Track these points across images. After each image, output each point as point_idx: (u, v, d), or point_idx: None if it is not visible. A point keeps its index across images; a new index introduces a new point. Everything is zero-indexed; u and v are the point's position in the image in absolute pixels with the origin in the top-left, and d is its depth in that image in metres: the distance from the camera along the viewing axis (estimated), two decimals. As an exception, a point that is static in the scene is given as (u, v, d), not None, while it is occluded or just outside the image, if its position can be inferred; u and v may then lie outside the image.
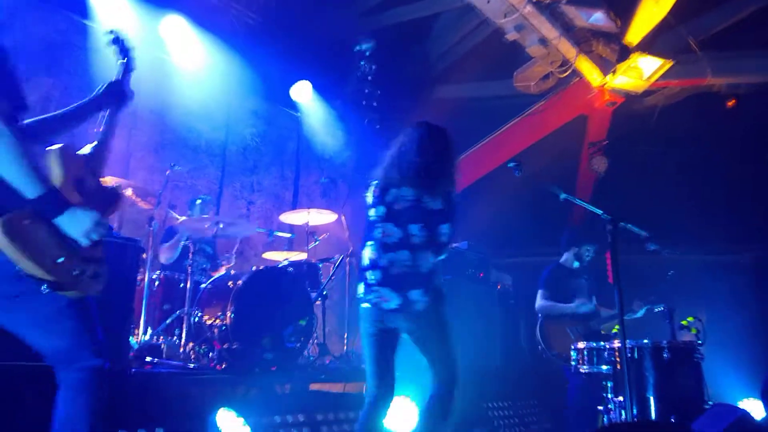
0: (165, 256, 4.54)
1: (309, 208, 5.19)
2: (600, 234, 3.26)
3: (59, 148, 1.89)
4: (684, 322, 3.93)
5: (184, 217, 4.41)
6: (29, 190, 1.69)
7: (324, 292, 4.66)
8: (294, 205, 6.83)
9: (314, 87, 7.01)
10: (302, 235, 5.23)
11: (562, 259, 4.82)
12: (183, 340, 3.94)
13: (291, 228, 5.66)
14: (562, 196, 3.44)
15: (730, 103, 6.17)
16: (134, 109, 5.73)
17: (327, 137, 7.24)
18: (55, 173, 1.84)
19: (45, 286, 1.72)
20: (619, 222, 3.12)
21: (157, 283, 4.22)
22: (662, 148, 6.61)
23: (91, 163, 2.06)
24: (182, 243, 4.45)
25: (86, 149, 2.09)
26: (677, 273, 4.40)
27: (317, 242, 5.19)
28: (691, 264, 5.60)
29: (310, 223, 5.15)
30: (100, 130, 2.17)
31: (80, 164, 1.98)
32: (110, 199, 2.10)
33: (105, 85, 2.28)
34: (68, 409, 1.84)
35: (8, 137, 1.66)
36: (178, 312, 4.04)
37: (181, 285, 4.19)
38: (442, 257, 2.69)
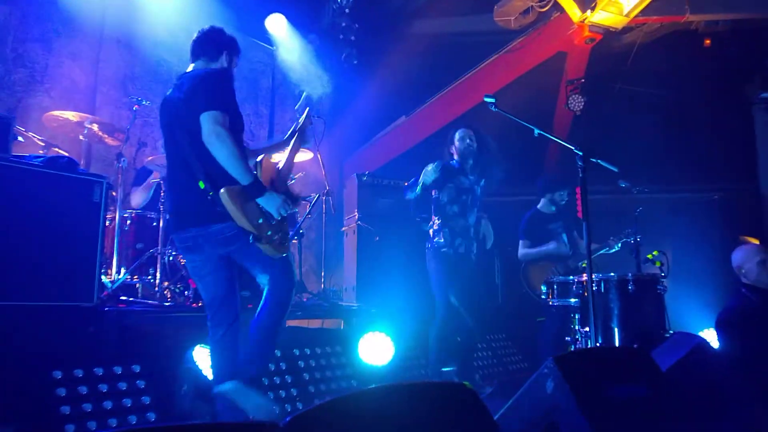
0: (136, 201, 4.45)
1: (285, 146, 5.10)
2: (573, 174, 3.30)
3: (261, 159, 2.78)
4: (649, 256, 4.06)
5: (151, 157, 4.30)
6: (242, 178, 2.50)
7: (300, 231, 4.68)
8: (269, 143, 6.72)
9: (289, 20, 6.76)
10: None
11: (539, 205, 4.90)
12: (158, 280, 3.93)
13: (267, 166, 5.58)
14: (537, 131, 3.45)
15: (707, 42, 6.15)
16: (99, 40, 5.50)
17: (302, 73, 7.05)
18: (258, 172, 2.65)
19: (251, 237, 2.53)
20: (590, 157, 3.15)
21: (129, 222, 4.14)
22: (638, 86, 6.61)
23: (280, 171, 2.90)
24: (152, 182, 4.36)
25: (279, 163, 2.96)
26: (645, 210, 4.50)
27: (293, 181, 5.15)
28: (660, 202, 5.74)
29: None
30: (287, 156, 3.02)
31: (273, 170, 2.84)
32: (292, 195, 2.81)
33: (293, 130, 3.20)
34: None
35: (230, 143, 2.47)
36: (151, 251, 4.01)
37: (154, 224, 4.13)
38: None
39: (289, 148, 3.08)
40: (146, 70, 5.81)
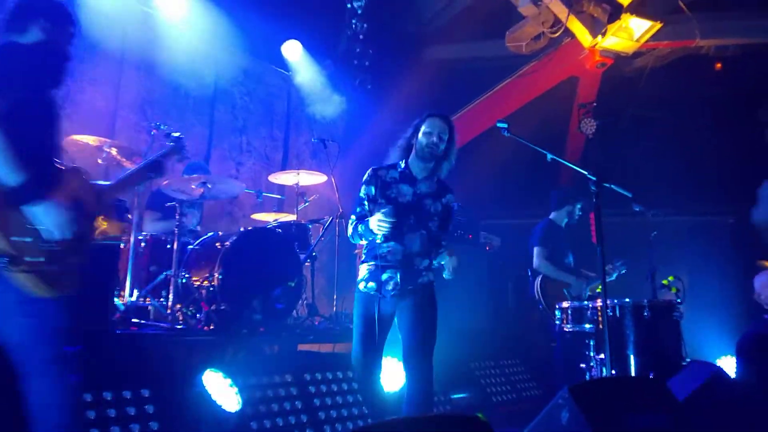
0: (151, 225, 4.52)
1: (299, 169, 5.18)
2: (586, 195, 3.30)
3: (73, 167, 2.21)
4: (665, 282, 4.03)
5: (167, 180, 4.36)
6: (6, 176, 1.89)
7: (313, 254, 4.70)
8: (284, 166, 6.81)
9: (304, 46, 6.88)
10: (292, 197, 5.24)
11: (553, 216, 4.88)
12: (170, 302, 3.94)
13: (281, 189, 5.66)
14: (549, 156, 3.46)
15: (718, 66, 6.17)
16: (120, 66, 5.64)
17: (317, 97, 7.16)
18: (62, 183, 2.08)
19: (3, 258, 1.86)
20: (604, 182, 3.16)
21: (143, 244, 4.19)
22: (650, 110, 6.62)
23: (103, 191, 2.34)
24: (166, 206, 4.40)
25: (104, 185, 2.42)
26: (660, 234, 4.47)
27: (307, 203, 5.20)
28: (674, 225, 5.69)
29: (300, 184, 5.15)
30: (121, 180, 2.49)
31: (87, 188, 2.24)
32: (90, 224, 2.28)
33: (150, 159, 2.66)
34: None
35: None
36: (165, 273, 4.04)
37: (168, 246, 4.17)
38: None
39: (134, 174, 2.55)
40: (165, 94, 5.94)
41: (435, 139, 2.94)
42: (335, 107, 7.08)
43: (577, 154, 6.83)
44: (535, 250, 4.68)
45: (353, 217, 3.05)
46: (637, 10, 5.78)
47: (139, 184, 2.69)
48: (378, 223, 2.76)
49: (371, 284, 2.97)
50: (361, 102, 7.11)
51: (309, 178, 5.19)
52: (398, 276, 2.92)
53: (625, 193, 3.29)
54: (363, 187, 3.05)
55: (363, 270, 3.04)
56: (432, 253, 3.01)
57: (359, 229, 2.95)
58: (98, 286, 3.08)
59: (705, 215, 6.28)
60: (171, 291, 3.96)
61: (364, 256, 3.08)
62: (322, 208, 5.72)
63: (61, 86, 2.29)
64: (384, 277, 2.92)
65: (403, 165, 3.07)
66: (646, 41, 5.94)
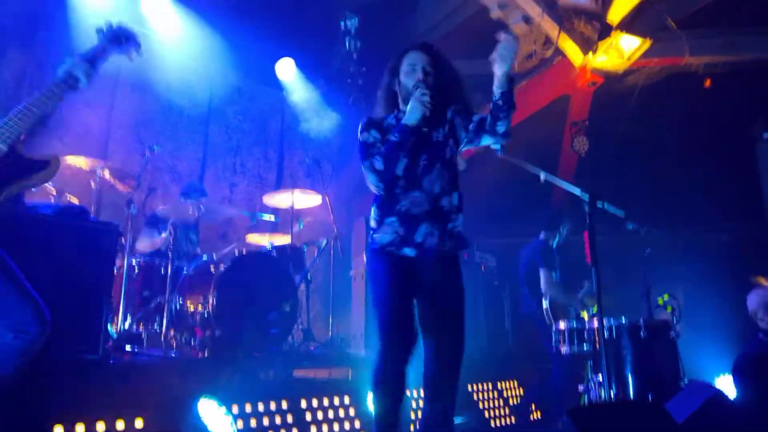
0: (143, 245, 4.48)
1: (293, 189, 5.16)
2: (578, 213, 3.30)
3: None
4: (660, 301, 4.02)
5: (163, 207, 4.34)
6: None
7: (308, 276, 4.67)
8: (278, 187, 6.80)
9: (298, 65, 6.91)
10: (286, 218, 5.22)
11: (543, 237, 4.88)
12: (164, 328, 3.89)
13: (275, 210, 5.64)
14: (542, 176, 3.47)
15: (707, 83, 6.24)
16: (114, 86, 5.63)
17: (311, 116, 7.17)
18: None
19: None
20: (597, 201, 3.16)
21: (136, 269, 4.14)
22: (643, 127, 6.66)
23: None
24: (163, 235, 4.37)
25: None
26: (655, 251, 4.47)
27: (301, 227, 5.18)
28: (669, 242, 5.70)
29: (295, 205, 5.13)
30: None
31: None
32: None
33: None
34: None
35: None
36: (158, 299, 4.00)
37: (162, 271, 4.14)
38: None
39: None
40: (159, 114, 5.93)
41: (420, 75, 2.48)
42: (329, 126, 7.09)
43: (570, 172, 6.85)
44: (542, 273, 4.65)
45: (367, 160, 2.45)
46: (626, 28, 5.87)
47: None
48: (420, 98, 2.37)
49: (400, 243, 2.40)
50: (355, 120, 7.11)
51: (303, 199, 5.17)
52: (431, 227, 2.41)
53: (618, 212, 3.29)
54: (363, 134, 2.56)
55: (382, 232, 2.46)
56: (455, 183, 2.54)
57: (380, 154, 2.42)
58: (90, 312, 3.03)
59: (699, 232, 6.29)
60: (165, 317, 3.91)
61: (375, 222, 2.52)
62: (317, 229, 5.70)
63: None
64: (414, 231, 2.40)
65: (393, 116, 2.62)
66: (636, 59, 6.01)
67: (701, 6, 5.93)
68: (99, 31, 2.60)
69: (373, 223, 2.53)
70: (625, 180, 6.23)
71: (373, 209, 2.55)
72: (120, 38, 2.58)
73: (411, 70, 2.52)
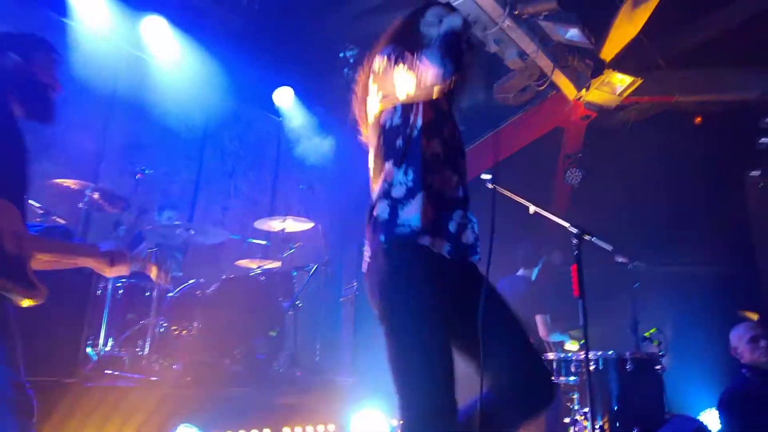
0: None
1: (286, 214, 5.18)
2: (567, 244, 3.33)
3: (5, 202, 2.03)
4: (647, 334, 4.02)
5: (149, 226, 4.34)
6: None
7: (297, 303, 4.65)
8: (271, 211, 6.82)
9: (296, 92, 7.01)
10: (278, 242, 5.22)
11: (523, 274, 4.92)
12: (147, 352, 3.83)
13: (267, 234, 5.65)
14: (531, 208, 3.51)
15: (697, 120, 6.36)
16: (109, 108, 5.69)
17: (307, 143, 7.25)
18: None
19: None
20: (585, 234, 3.19)
21: (121, 291, 4.10)
22: (634, 161, 6.74)
23: (26, 238, 2.08)
24: (147, 251, 4.36)
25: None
26: (643, 285, 4.49)
27: (292, 250, 5.18)
28: (658, 276, 5.72)
29: (287, 230, 5.14)
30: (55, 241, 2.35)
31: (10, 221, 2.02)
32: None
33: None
34: None
35: None
36: (142, 322, 3.95)
37: (147, 293, 4.11)
38: None
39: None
40: (153, 138, 5.98)
41: None
42: (325, 153, 7.16)
43: (563, 204, 6.91)
44: (539, 320, 4.68)
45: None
46: (618, 66, 6.00)
47: (67, 258, 2.27)
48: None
49: (440, 238, 1.76)
50: (351, 148, 7.19)
51: (296, 224, 5.19)
52: (468, 218, 1.86)
53: (606, 246, 3.31)
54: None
55: (418, 211, 1.75)
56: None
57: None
58: (68, 334, 3.00)
59: (688, 266, 6.32)
60: (148, 340, 3.86)
61: (402, 191, 1.79)
62: (308, 254, 5.70)
63: (49, 118, 2.31)
64: (453, 224, 1.79)
65: None
66: (628, 95, 6.13)
67: (690, 45, 6.08)
68: None
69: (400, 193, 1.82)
70: (618, 212, 6.27)
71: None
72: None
73: (437, 22, 1.99)
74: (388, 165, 1.85)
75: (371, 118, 2.02)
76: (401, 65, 1.83)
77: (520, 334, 1.83)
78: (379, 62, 1.94)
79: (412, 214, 1.74)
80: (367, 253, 1.83)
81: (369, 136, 2.03)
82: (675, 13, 5.64)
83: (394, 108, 1.92)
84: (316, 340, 4.96)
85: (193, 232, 4.17)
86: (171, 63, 5.99)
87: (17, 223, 2.04)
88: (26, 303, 2.02)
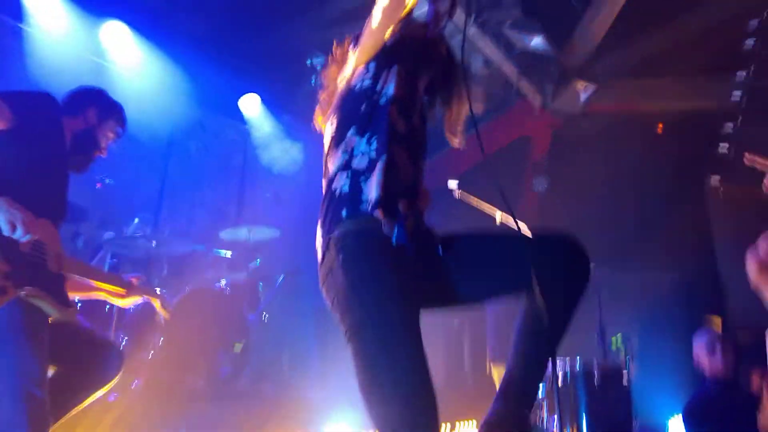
0: None
1: (253, 224, 5.09)
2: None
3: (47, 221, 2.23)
4: (613, 340, 4.06)
5: (111, 233, 4.21)
6: None
7: (263, 314, 4.57)
8: (237, 221, 6.70)
9: (263, 100, 6.92)
10: (244, 253, 5.12)
11: None
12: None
13: (233, 245, 5.53)
14: (498, 216, 3.52)
15: (659, 127, 6.49)
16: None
17: (275, 151, 7.15)
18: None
19: None
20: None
21: (79, 305, 3.97)
22: (600, 168, 6.84)
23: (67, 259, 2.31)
24: (107, 262, 4.23)
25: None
26: (609, 291, 4.53)
27: (258, 263, 5.09)
28: (624, 282, 5.79)
29: (253, 239, 5.05)
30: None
31: (52, 238, 2.24)
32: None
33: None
34: None
35: None
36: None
37: (108, 307, 3.98)
38: None
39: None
40: (116, 147, 5.80)
41: None
42: (292, 161, 7.08)
43: (533, 211, 6.96)
44: None
45: None
46: (581, 73, 6.10)
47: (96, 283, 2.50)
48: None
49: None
50: (319, 156, 7.13)
51: (262, 233, 5.10)
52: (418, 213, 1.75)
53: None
54: None
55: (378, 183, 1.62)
56: None
57: None
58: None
59: (652, 271, 6.42)
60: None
61: (365, 162, 1.67)
62: (274, 265, 5.61)
63: (82, 171, 2.69)
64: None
65: None
66: (592, 103, 6.23)
67: (652, 54, 6.20)
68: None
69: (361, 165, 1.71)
70: (582, 220, 6.34)
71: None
72: None
73: None
74: (350, 133, 1.72)
75: (341, 87, 1.87)
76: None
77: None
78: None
79: (372, 186, 1.60)
80: (321, 240, 1.68)
81: (331, 116, 1.87)
82: (636, 22, 5.75)
83: (366, 67, 1.80)
84: (284, 353, 4.87)
85: (155, 244, 4.05)
86: (133, 70, 5.84)
87: (58, 243, 2.26)
88: (58, 317, 2.15)
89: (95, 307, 4.02)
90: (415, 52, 1.88)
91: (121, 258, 4.11)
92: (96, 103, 2.69)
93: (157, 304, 2.69)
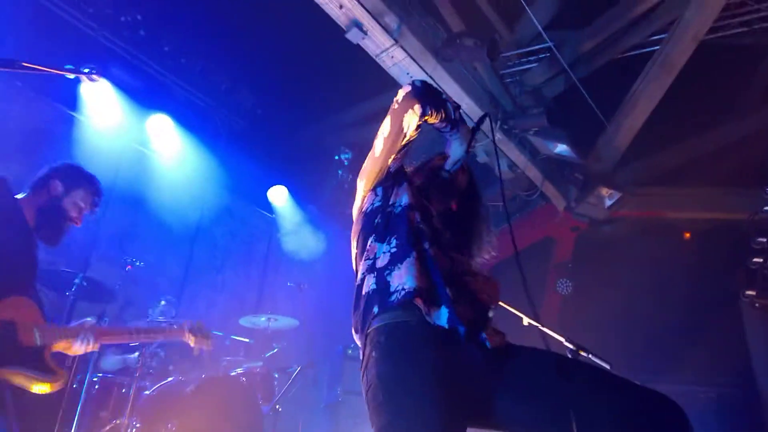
0: (110, 365, 4.26)
1: (272, 312, 5.05)
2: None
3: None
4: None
5: (137, 322, 4.20)
6: None
7: (277, 406, 4.41)
8: (257, 308, 6.68)
9: (290, 191, 7.14)
10: (261, 341, 5.05)
11: None
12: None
13: (250, 332, 5.47)
14: (525, 320, 3.44)
15: (686, 236, 6.44)
16: (107, 200, 5.71)
17: (298, 241, 7.26)
18: None
19: None
20: (581, 351, 3.09)
21: (96, 386, 3.90)
22: (625, 273, 6.74)
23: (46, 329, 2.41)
24: (136, 354, 4.18)
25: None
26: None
27: (275, 350, 5.00)
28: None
29: (271, 328, 5.00)
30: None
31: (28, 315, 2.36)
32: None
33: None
34: None
35: None
36: (114, 421, 3.71)
37: (124, 391, 3.89)
38: None
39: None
40: (146, 230, 5.96)
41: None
42: (315, 251, 7.16)
43: (554, 313, 6.82)
44: None
45: None
46: (607, 181, 6.18)
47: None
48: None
49: (435, 305, 1.56)
50: (342, 248, 7.20)
51: (281, 322, 5.05)
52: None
53: (603, 364, 3.20)
54: None
55: (410, 273, 1.62)
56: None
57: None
58: (38, 426, 2.80)
59: (686, 385, 6.12)
60: (120, 442, 3.60)
61: (386, 259, 1.68)
62: (291, 355, 5.50)
63: (52, 244, 2.68)
64: (451, 291, 1.60)
65: None
66: (616, 210, 6.26)
67: (679, 164, 6.30)
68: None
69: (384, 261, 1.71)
70: (609, 326, 6.16)
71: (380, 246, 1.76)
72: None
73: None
74: (370, 241, 1.74)
75: (356, 216, 1.95)
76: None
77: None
78: None
79: (404, 276, 1.57)
80: (359, 342, 1.64)
81: (353, 242, 1.94)
82: (664, 132, 5.90)
83: (374, 192, 1.89)
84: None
85: (176, 327, 4.01)
86: (171, 159, 6.12)
87: (36, 315, 2.34)
88: (38, 387, 2.24)
89: (111, 389, 3.95)
90: (429, 178, 2.01)
91: (143, 342, 4.07)
92: (59, 175, 2.73)
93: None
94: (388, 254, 1.66)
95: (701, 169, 6.21)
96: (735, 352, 6.23)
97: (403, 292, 1.54)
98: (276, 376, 4.58)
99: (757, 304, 5.89)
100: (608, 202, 6.10)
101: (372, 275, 1.66)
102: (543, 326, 3.43)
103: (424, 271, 1.60)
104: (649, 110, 5.44)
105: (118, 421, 3.70)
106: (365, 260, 1.72)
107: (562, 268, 6.61)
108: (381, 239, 1.73)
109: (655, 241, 6.76)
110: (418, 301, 1.52)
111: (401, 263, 1.61)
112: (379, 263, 1.66)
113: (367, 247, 1.74)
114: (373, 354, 1.51)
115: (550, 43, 5.33)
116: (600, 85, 5.85)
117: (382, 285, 1.60)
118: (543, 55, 5.66)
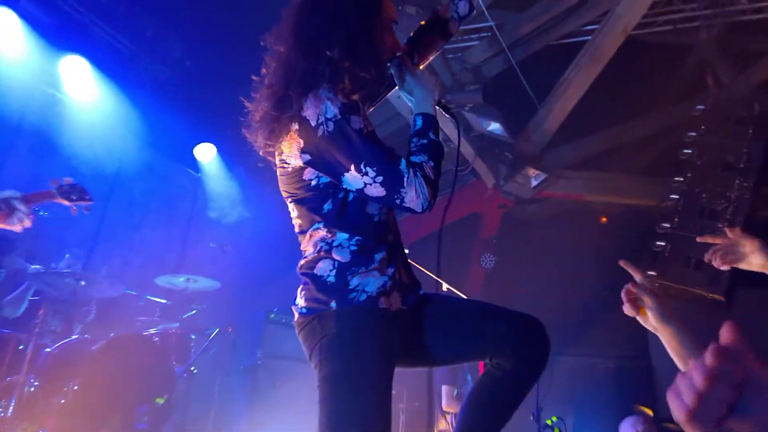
0: (8, 310, 3.97)
1: (193, 273, 4.86)
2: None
3: None
4: (549, 422, 4.02)
5: (37, 266, 3.92)
6: None
7: (192, 368, 4.28)
8: (177, 269, 6.42)
9: (219, 150, 6.85)
10: (179, 303, 4.86)
11: None
12: (9, 414, 3.32)
13: (168, 293, 5.26)
14: (445, 287, 3.51)
15: (603, 220, 6.79)
16: (11, 146, 5.27)
17: (225, 201, 7.01)
18: None
19: None
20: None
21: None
22: (544, 252, 7.04)
23: None
24: (29, 297, 3.92)
25: None
26: (547, 373, 4.53)
27: (194, 312, 4.84)
28: (561, 365, 5.83)
29: (190, 290, 4.81)
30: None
31: None
32: None
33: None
34: None
35: None
36: (9, 378, 3.46)
37: (21, 347, 3.63)
38: None
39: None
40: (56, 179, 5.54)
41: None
42: (241, 213, 6.95)
43: (477, 286, 7.03)
44: (444, 389, 4.60)
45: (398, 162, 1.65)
46: (534, 162, 6.38)
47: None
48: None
49: (395, 294, 1.69)
50: (270, 211, 7.04)
51: (200, 284, 4.87)
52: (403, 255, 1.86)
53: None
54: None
55: (368, 275, 1.66)
56: None
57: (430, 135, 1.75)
58: None
59: (589, 357, 6.51)
60: (13, 401, 3.37)
61: (339, 256, 1.67)
62: (209, 317, 5.34)
63: None
64: (398, 272, 1.74)
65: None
66: (541, 190, 6.49)
67: (602, 150, 6.60)
68: (56, 184, 2.86)
69: (344, 257, 1.67)
70: (524, 301, 6.44)
71: (340, 236, 1.69)
72: (71, 194, 2.83)
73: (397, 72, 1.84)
74: (321, 226, 1.71)
75: (289, 168, 1.76)
76: (361, 165, 1.60)
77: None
78: (310, 113, 1.66)
79: (365, 278, 1.65)
80: (300, 306, 1.71)
81: (283, 184, 1.82)
82: (588, 120, 6.15)
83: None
84: (210, 412, 4.53)
85: (83, 283, 3.78)
86: (87, 106, 5.69)
87: None
88: None
89: (6, 345, 3.68)
90: None
91: (44, 296, 3.81)
92: None
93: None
94: (348, 251, 1.67)
95: (621, 157, 6.54)
96: (634, 328, 6.67)
97: (364, 295, 1.64)
98: (193, 337, 4.44)
99: (657, 284, 6.34)
100: (534, 182, 6.30)
101: (330, 264, 1.66)
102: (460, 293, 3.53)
103: (386, 268, 1.71)
104: (578, 97, 5.62)
105: (11, 379, 3.46)
106: (321, 241, 1.70)
107: (488, 243, 6.80)
108: (334, 226, 1.69)
109: (574, 222, 7.10)
110: (381, 301, 1.65)
111: (365, 267, 1.66)
112: (338, 256, 1.66)
113: (319, 228, 1.71)
114: (327, 339, 1.62)
115: (491, 23, 5.37)
116: (535, 68, 5.99)
117: (342, 282, 1.64)
118: (484, 34, 5.71)
